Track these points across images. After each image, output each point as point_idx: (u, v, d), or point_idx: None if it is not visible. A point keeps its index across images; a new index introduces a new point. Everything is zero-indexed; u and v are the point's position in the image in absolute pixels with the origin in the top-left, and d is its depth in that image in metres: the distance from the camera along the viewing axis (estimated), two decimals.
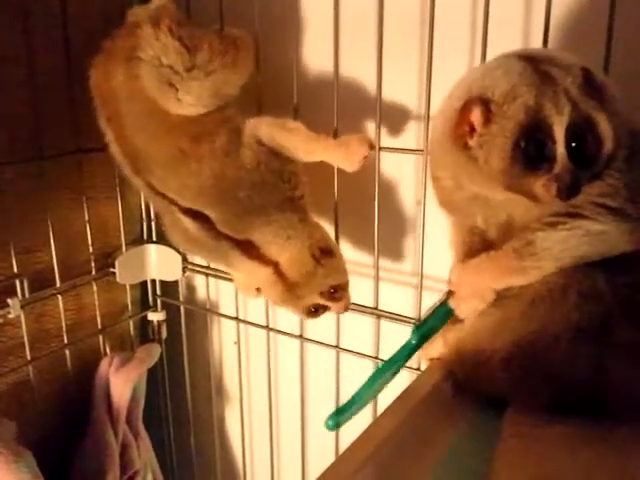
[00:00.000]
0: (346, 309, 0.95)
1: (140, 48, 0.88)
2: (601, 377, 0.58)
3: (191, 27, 0.93)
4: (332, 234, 1.00)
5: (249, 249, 0.91)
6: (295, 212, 0.92)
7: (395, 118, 1.00)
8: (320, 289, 0.91)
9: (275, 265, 0.91)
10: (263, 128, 0.92)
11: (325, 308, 0.94)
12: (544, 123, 0.58)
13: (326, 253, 0.91)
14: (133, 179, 0.96)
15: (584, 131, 0.58)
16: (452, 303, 0.71)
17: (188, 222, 0.92)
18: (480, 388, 0.63)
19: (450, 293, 0.71)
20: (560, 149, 0.58)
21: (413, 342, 0.73)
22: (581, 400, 0.58)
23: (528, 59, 0.61)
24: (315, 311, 0.93)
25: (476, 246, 0.70)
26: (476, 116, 0.60)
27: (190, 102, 0.90)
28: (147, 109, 0.91)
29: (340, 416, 0.70)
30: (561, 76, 0.58)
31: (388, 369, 0.74)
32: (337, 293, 0.92)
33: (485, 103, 0.60)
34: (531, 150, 0.59)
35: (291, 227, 0.91)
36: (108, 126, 0.94)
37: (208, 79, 0.89)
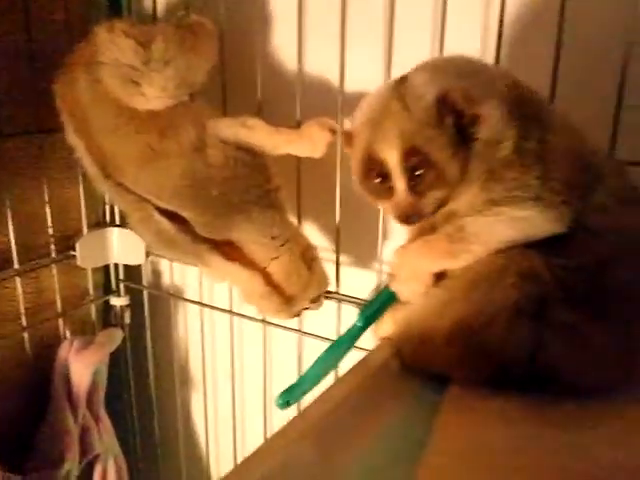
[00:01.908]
0: (321, 306, 0.99)
1: (99, 53, 0.90)
2: (539, 355, 0.59)
3: (146, 26, 0.95)
4: (295, 219, 1.01)
5: (229, 251, 0.92)
6: (276, 210, 0.93)
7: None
8: (313, 297, 0.95)
9: (265, 273, 0.92)
10: (224, 129, 0.92)
11: (305, 309, 0.98)
12: (378, 157, 0.63)
13: (314, 259, 0.94)
14: (104, 185, 0.96)
15: (417, 163, 0.61)
16: (393, 286, 0.73)
17: (166, 223, 0.92)
18: (425, 365, 0.64)
19: (392, 276, 0.73)
20: (396, 182, 0.63)
21: (359, 325, 0.75)
22: (521, 377, 0.60)
23: (398, 83, 0.64)
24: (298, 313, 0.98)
25: (426, 233, 0.71)
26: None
27: (155, 94, 0.90)
28: (113, 110, 0.91)
29: (289, 394, 0.71)
30: (398, 110, 0.62)
31: (336, 350, 0.75)
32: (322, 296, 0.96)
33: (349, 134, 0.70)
34: (373, 181, 0.65)
35: (274, 225, 0.92)
36: (77, 137, 0.95)
37: (168, 68, 0.90)
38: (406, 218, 0.64)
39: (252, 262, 0.92)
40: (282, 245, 0.92)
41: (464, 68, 0.64)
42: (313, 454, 0.51)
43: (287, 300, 0.93)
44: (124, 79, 0.89)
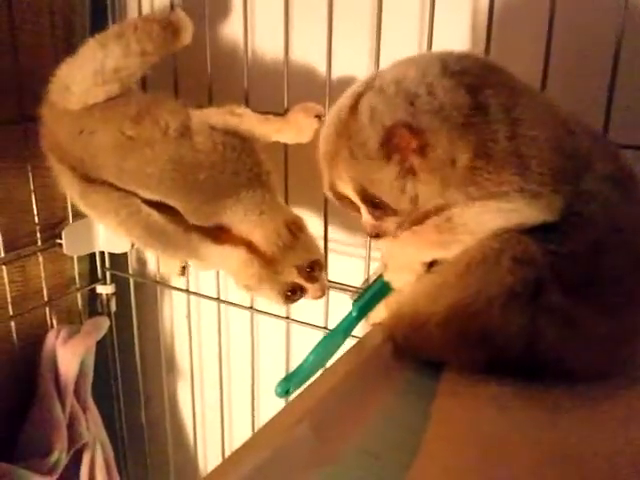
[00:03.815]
0: (323, 292, 0.92)
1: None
2: (534, 339, 0.60)
3: None
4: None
5: (219, 235, 0.90)
6: (265, 190, 0.92)
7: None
8: (297, 263, 0.89)
9: (248, 245, 0.90)
10: (213, 118, 0.91)
11: (302, 291, 0.91)
12: (341, 190, 0.67)
13: (300, 229, 0.92)
14: (89, 189, 0.93)
15: (372, 198, 0.64)
16: (386, 276, 0.74)
17: (155, 214, 0.90)
18: (419, 350, 0.65)
19: (384, 265, 0.73)
20: (361, 209, 0.67)
21: (353, 315, 0.75)
22: (515, 362, 0.60)
23: (350, 110, 0.64)
24: (293, 293, 0.91)
25: (419, 222, 0.72)
26: None
27: (81, 89, 0.90)
28: (74, 118, 0.92)
29: (289, 383, 0.72)
30: (347, 153, 0.63)
31: (332, 340, 0.76)
32: (314, 272, 0.90)
33: None
34: (345, 202, 0.69)
35: (264, 203, 0.90)
36: (60, 165, 0.94)
37: (88, 65, 0.90)
38: (375, 236, 0.68)
39: (240, 239, 0.91)
40: (269, 218, 0.90)
41: (423, 79, 0.61)
42: (311, 438, 0.51)
43: (268, 263, 0.89)
44: (61, 90, 0.91)
